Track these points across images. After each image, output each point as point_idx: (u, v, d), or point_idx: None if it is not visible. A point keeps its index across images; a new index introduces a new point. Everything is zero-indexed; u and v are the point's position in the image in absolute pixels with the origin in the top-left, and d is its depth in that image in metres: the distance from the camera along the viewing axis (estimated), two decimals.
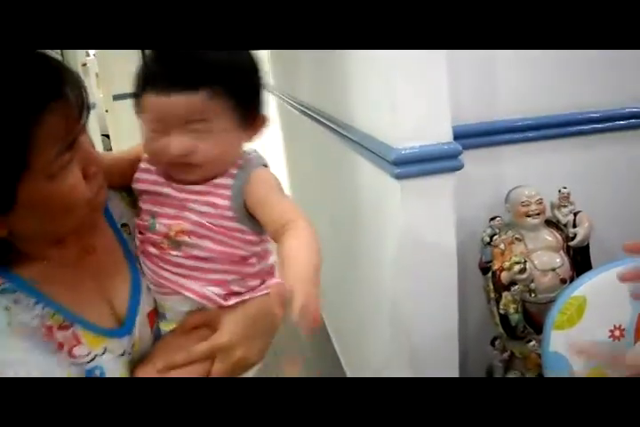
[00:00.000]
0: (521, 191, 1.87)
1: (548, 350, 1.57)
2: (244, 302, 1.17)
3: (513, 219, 1.88)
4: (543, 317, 1.80)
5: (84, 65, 6.43)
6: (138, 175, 1.20)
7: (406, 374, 1.83)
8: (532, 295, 1.81)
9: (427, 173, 1.64)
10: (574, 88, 1.99)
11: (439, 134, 1.63)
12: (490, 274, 1.86)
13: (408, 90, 1.58)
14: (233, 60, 1.12)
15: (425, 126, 1.61)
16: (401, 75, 1.57)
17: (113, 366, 1.09)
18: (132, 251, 1.21)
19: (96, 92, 6.82)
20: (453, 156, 1.65)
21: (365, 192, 1.99)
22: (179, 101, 1.07)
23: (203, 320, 1.16)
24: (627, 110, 2.05)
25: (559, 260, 1.84)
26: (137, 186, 1.20)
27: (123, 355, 1.12)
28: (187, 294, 1.14)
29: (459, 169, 1.67)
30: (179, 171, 1.13)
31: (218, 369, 1.12)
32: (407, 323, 1.79)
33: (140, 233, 1.18)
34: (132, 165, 1.21)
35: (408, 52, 1.53)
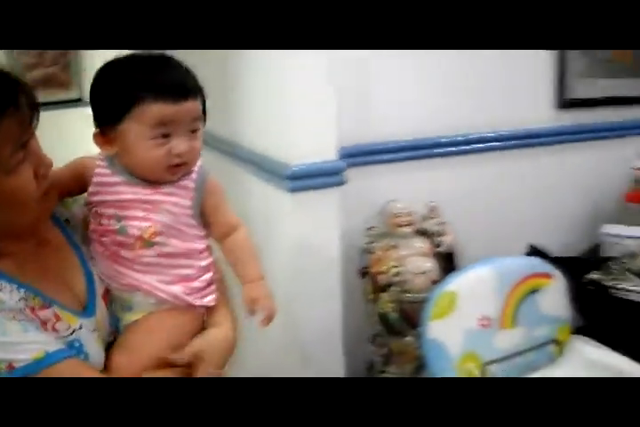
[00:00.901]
0: (394, 205, 2.08)
1: (427, 338, 1.78)
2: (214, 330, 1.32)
3: (388, 229, 2.09)
4: (417, 314, 2.01)
5: None
6: (93, 188, 1.27)
7: (296, 371, 1.96)
8: (407, 295, 2.01)
9: (315, 188, 1.84)
10: (442, 115, 2.27)
11: (326, 154, 1.84)
12: (369, 278, 2.06)
13: (301, 116, 1.78)
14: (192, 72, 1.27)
15: (314, 147, 1.82)
16: (295, 104, 1.78)
17: (89, 338, 1.20)
18: (78, 243, 1.31)
19: None
20: (338, 172, 1.86)
21: (258, 206, 2.12)
22: (188, 107, 1.20)
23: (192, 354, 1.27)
24: (485, 135, 2.36)
25: (429, 264, 2.05)
26: (95, 197, 1.27)
27: (94, 331, 1.23)
28: (159, 294, 1.25)
29: (342, 184, 1.88)
30: (173, 172, 1.24)
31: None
32: (296, 324, 1.94)
33: (103, 236, 1.26)
34: (72, 176, 1.30)
35: (301, 82, 1.75)
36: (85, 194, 1.32)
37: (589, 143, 2.67)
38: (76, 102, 6.71)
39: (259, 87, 1.97)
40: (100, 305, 1.27)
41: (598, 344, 1.98)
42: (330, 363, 2.01)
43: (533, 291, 1.90)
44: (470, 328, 1.80)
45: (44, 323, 1.13)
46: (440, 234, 2.14)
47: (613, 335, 2.02)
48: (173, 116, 1.19)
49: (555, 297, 1.94)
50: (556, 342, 1.93)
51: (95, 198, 1.27)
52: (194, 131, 1.24)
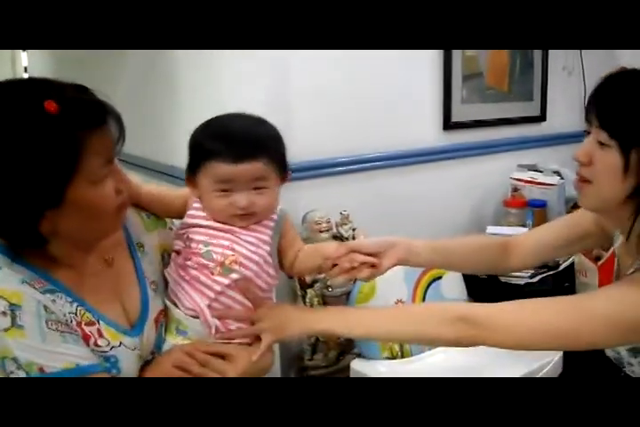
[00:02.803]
0: (314, 213, 2.34)
1: None
2: (251, 344, 1.41)
3: (309, 234, 2.34)
4: (339, 306, 2.32)
5: None
6: (192, 212, 1.43)
7: None
8: (330, 290, 2.29)
9: None
10: (348, 138, 2.59)
11: None
12: (295, 277, 2.30)
13: None
14: (271, 132, 1.43)
15: None
16: None
17: (127, 356, 1.28)
18: (142, 267, 1.40)
19: None
20: None
21: None
22: (246, 168, 1.34)
23: (218, 350, 1.37)
24: (384, 154, 2.70)
25: None
26: (190, 220, 1.42)
27: (134, 350, 1.30)
28: (211, 326, 1.36)
29: None
30: (239, 220, 1.39)
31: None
32: None
33: (187, 259, 1.38)
34: (175, 199, 1.48)
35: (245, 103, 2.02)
36: (168, 221, 1.52)
37: (473, 158, 3.04)
38: None
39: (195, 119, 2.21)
40: (150, 327, 1.36)
41: None
42: None
43: (436, 278, 2.21)
44: None
45: (86, 337, 1.23)
46: (353, 238, 2.40)
47: None
48: (231, 175, 1.34)
49: (453, 283, 2.26)
50: None
51: (191, 221, 1.42)
52: (258, 188, 1.38)
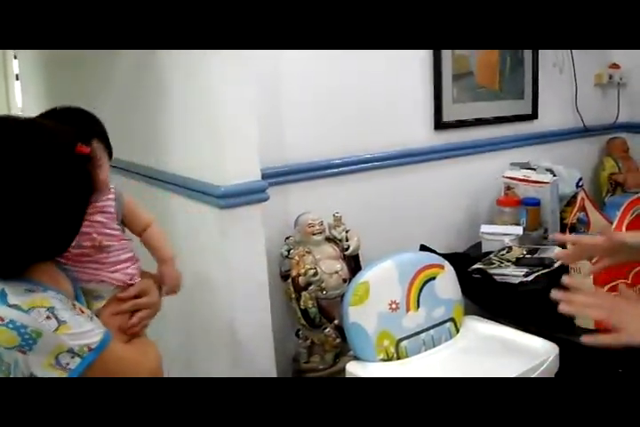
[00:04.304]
0: (306, 216, 2.35)
1: (349, 322, 2.06)
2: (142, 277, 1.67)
3: (302, 237, 2.36)
4: (333, 309, 2.31)
5: None
6: None
7: (228, 370, 2.18)
8: (324, 293, 2.30)
9: (242, 204, 2.09)
10: (340, 140, 2.61)
11: (251, 175, 2.11)
12: (290, 280, 2.33)
13: (229, 142, 2.05)
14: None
15: (241, 169, 2.09)
16: (224, 135, 2.04)
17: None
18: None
19: None
20: (262, 190, 2.14)
21: (192, 223, 2.33)
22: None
23: (135, 292, 1.62)
24: (376, 155, 2.72)
25: (339, 265, 2.35)
26: None
27: None
28: (116, 283, 1.60)
29: (265, 200, 2.15)
30: None
31: (145, 315, 1.62)
32: (230, 324, 2.14)
33: (73, 248, 1.48)
34: None
35: (230, 115, 2.03)
36: None
37: (466, 158, 3.06)
38: None
39: (191, 121, 2.21)
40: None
41: (487, 320, 2.31)
42: (262, 358, 2.22)
43: (430, 279, 2.20)
44: (382, 311, 2.09)
45: (84, 313, 1.39)
46: (346, 239, 2.43)
47: (498, 312, 2.36)
48: None
49: (448, 283, 2.26)
50: (452, 320, 2.25)
51: None
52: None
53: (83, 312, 1.37)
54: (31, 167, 1.24)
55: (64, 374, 1.27)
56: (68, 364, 1.27)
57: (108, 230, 1.60)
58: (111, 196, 1.64)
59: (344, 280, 2.35)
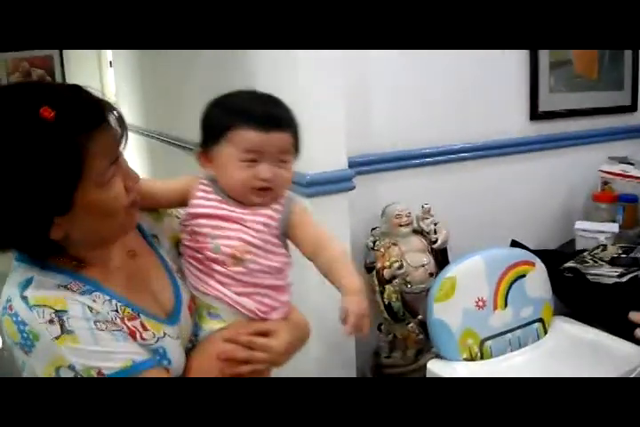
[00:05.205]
0: (394, 207, 2.30)
1: (433, 318, 2.00)
2: (286, 317, 1.38)
3: (388, 228, 2.31)
4: (418, 303, 2.26)
5: None
6: (196, 201, 1.35)
7: (312, 356, 2.16)
8: (409, 286, 2.25)
9: (328, 193, 2.07)
10: (431, 129, 2.54)
11: (338, 163, 2.08)
12: (374, 272, 2.29)
13: (315, 129, 1.98)
14: (290, 110, 1.36)
15: (328, 157, 2.07)
16: (310, 122, 1.90)
17: (173, 345, 1.25)
18: (164, 255, 1.37)
19: None
20: (348, 179, 2.11)
21: None
22: (276, 138, 1.30)
23: (259, 329, 1.32)
24: (468, 145, 2.63)
25: (426, 258, 2.29)
26: (193, 210, 1.35)
27: (177, 338, 1.27)
28: (240, 309, 1.31)
29: (351, 189, 2.12)
30: (258, 195, 1.33)
31: (257, 358, 1.31)
32: (311, 316, 2.11)
33: (199, 252, 1.33)
34: (178, 189, 1.38)
35: (316, 101, 1.99)
36: (172, 210, 1.44)
37: (561, 150, 2.95)
38: None
39: None
40: (185, 314, 1.33)
41: (577, 322, 2.22)
42: (343, 350, 2.20)
43: (520, 276, 2.13)
44: (468, 309, 2.03)
45: (132, 332, 1.19)
46: (434, 232, 2.36)
47: (590, 314, 2.26)
48: (262, 143, 1.29)
49: (538, 281, 2.18)
50: (541, 320, 2.17)
51: (193, 211, 1.35)
52: (283, 161, 1.32)
53: (141, 330, 1.20)
54: None
55: None
56: None
57: (259, 241, 1.33)
58: (281, 200, 1.37)
59: (430, 274, 2.29)
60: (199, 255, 1.34)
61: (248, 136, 1.29)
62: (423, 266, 2.29)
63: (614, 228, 2.69)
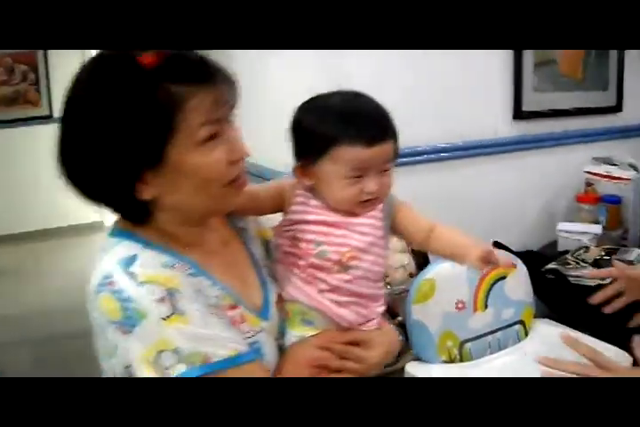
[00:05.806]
0: None
1: (411, 319, 1.95)
2: (380, 327, 1.40)
3: None
4: (398, 304, 2.22)
5: None
6: (296, 207, 1.33)
7: None
8: (388, 287, 2.22)
9: None
10: (413, 128, 2.38)
11: None
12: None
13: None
14: (384, 108, 1.34)
15: None
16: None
17: (268, 342, 1.23)
18: (252, 249, 1.35)
19: None
20: None
21: None
22: (381, 151, 1.27)
23: (353, 338, 1.33)
24: (451, 145, 2.63)
25: (407, 259, 2.27)
26: (294, 216, 1.33)
27: (271, 335, 1.25)
28: (335, 318, 1.30)
29: None
30: (364, 206, 1.31)
31: (348, 367, 1.32)
32: None
33: (301, 259, 1.30)
34: (272, 194, 1.37)
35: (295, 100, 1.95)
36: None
37: (545, 150, 2.92)
38: (46, 119, 6.80)
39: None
40: (274, 311, 1.31)
41: (559, 324, 2.17)
42: None
43: (500, 278, 2.07)
44: (448, 311, 1.97)
45: (234, 322, 1.17)
46: None
47: (572, 316, 2.23)
48: (367, 159, 1.26)
49: (519, 283, 2.13)
50: (522, 322, 2.12)
51: (296, 217, 1.33)
52: (385, 169, 1.32)
53: (241, 321, 1.18)
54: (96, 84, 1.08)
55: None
56: (167, 368, 1.02)
57: (365, 245, 1.31)
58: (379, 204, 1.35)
59: (410, 275, 2.27)
60: (301, 262, 1.30)
61: (354, 153, 1.26)
62: (403, 267, 2.27)
63: (597, 229, 2.66)
